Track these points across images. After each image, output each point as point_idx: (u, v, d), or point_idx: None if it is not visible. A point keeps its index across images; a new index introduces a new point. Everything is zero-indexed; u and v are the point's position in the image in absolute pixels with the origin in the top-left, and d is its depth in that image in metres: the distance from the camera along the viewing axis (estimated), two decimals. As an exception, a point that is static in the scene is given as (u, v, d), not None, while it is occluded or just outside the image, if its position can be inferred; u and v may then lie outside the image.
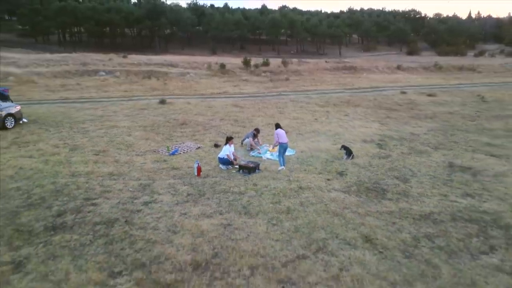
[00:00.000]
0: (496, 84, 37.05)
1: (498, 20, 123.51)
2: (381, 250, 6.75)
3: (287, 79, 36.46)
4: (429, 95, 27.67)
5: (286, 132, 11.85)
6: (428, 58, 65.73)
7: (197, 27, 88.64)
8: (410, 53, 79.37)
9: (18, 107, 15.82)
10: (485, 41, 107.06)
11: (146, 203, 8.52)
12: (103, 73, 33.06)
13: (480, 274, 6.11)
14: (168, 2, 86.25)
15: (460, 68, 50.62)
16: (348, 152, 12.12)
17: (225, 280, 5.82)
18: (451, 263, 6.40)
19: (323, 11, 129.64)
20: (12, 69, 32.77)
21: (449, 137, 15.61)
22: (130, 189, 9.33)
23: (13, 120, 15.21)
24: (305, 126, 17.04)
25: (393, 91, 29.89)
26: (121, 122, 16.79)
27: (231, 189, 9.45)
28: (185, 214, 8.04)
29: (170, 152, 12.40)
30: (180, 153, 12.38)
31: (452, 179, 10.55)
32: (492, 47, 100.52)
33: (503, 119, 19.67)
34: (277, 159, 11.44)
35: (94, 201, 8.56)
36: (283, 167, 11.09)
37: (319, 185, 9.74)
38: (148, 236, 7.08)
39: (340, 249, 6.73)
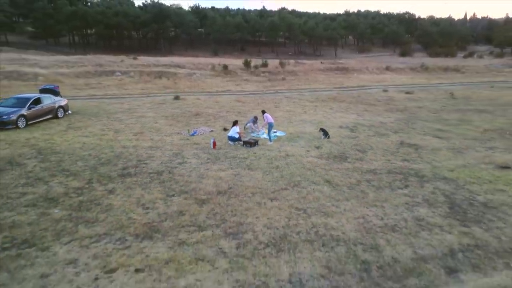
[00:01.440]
0: (473, 83, 41.05)
1: (490, 21, 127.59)
2: (334, 186, 10.67)
3: (283, 79, 40.41)
4: (407, 92, 31.62)
5: (274, 119, 15.86)
6: (419, 59, 69.59)
7: (200, 29, 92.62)
8: (403, 54, 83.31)
9: (66, 101, 19.77)
10: (476, 43, 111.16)
11: (180, 163, 12.44)
12: (119, 74, 36.97)
13: (392, 196, 10.03)
14: (169, 3, 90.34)
15: (445, 69, 54.54)
16: (325, 133, 16.05)
17: (237, 198, 9.72)
18: (377, 192, 10.32)
19: (321, 12, 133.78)
20: (37, 70, 36.67)
21: (409, 125, 19.55)
22: (167, 155, 13.26)
23: (62, 111, 19.13)
24: (295, 117, 21.00)
25: (377, 90, 33.86)
26: (146, 113, 20.77)
27: (238, 156, 13.39)
28: (207, 169, 11.95)
29: (191, 133, 16.34)
30: (198, 134, 16.31)
31: (399, 151, 14.48)
32: (482, 48, 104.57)
33: (462, 112, 23.60)
34: (272, 137, 15.42)
35: (144, 162, 12.49)
36: (271, 142, 15.09)
37: (300, 154, 13.68)
38: (186, 179, 11.00)
39: (308, 185, 10.64)
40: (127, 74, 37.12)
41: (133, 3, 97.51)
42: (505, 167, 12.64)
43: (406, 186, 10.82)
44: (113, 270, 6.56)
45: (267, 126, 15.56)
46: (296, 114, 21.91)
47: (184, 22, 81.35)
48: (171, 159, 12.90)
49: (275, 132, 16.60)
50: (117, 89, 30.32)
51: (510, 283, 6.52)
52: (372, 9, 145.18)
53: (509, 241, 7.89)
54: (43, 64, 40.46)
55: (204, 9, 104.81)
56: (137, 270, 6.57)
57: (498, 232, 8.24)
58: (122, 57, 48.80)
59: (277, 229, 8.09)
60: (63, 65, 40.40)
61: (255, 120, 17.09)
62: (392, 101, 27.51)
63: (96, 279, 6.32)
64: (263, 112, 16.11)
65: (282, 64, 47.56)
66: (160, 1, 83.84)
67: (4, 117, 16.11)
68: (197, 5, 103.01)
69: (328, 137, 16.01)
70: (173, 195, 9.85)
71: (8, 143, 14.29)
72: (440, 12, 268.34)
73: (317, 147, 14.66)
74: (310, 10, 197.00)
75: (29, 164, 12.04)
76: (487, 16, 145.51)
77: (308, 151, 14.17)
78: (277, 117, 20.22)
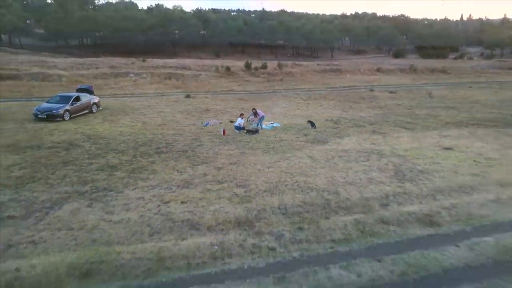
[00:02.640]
0: (454, 84, 44.91)
1: (482, 22, 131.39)
2: (314, 159, 14.53)
3: (281, 80, 44.28)
4: (391, 92, 35.48)
5: (271, 114, 19.78)
6: (411, 61, 73.34)
7: (202, 32, 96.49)
8: (395, 56, 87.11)
9: (98, 99, 23.64)
10: (468, 44, 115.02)
11: (198, 145, 16.31)
12: (132, 75, 40.82)
13: (355, 166, 13.90)
14: (170, 6, 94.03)
15: (433, 70, 58.33)
16: (312, 124, 19.93)
17: (243, 166, 13.58)
18: (345, 163, 14.16)
19: (321, 14, 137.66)
20: (58, 71, 40.50)
21: (385, 118, 23.41)
22: (188, 140, 17.14)
23: (96, 107, 23.00)
24: (290, 112, 24.89)
25: (364, 89, 37.72)
26: (164, 109, 24.66)
27: (243, 140, 17.27)
28: (220, 149, 15.82)
29: (204, 124, 20.22)
30: (210, 125, 20.19)
31: (370, 138, 18.35)
32: (474, 50, 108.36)
33: (432, 109, 27.47)
34: (268, 127, 19.37)
35: (172, 144, 16.37)
36: (261, 129, 19.11)
37: (291, 139, 17.57)
38: (205, 155, 14.87)
39: (296, 159, 14.50)
40: (140, 76, 40.96)
41: (137, 7, 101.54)
42: (447, 148, 16.52)
43: (368, 160, 14.70)
44: (168, 202, 10.43)
45: (259, 118, 19.64)
46: (290, 110, 25.82)
47: (188, 25, 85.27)
48: (191, 142, 16.79)
49: (272, 123, 20.52)
50: (133, 89, 34.20)
51: (418, 210, 10.39)
52: (369, 10, 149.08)
53: (427, 190, 11.76)
54: (62, 66, 44.23)
55: (206, 11, 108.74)
56: (182, 202, 10.45)
57: (422, 186, 12.11)
58: (132, 59, 52.56)
59: (272, 183, 11.97)
60: (79, 67, 44.22)
61: (254, 114, 20.96)
62: (375, 99, 31.40)
63: (159, 205, 10.20)
64: (254, 109, 20.22)
65: (280, 66, 51.35)
66: (164, 5, 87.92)
67: (54, 111, 19.99)
68: (199, 8, 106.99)
69: (315, 128, 19.87)
70: (197, 165, 13.72)
71: (62, 131, 18.19)
72: (438, 13, 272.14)
73: (305, 135, 18.55)
74: (310, 11, 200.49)
75: (85, 145, 15.92)
76: (485, 17, 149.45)
77: (297, 137, 18.06)
78: (274, 113, 24.11)
